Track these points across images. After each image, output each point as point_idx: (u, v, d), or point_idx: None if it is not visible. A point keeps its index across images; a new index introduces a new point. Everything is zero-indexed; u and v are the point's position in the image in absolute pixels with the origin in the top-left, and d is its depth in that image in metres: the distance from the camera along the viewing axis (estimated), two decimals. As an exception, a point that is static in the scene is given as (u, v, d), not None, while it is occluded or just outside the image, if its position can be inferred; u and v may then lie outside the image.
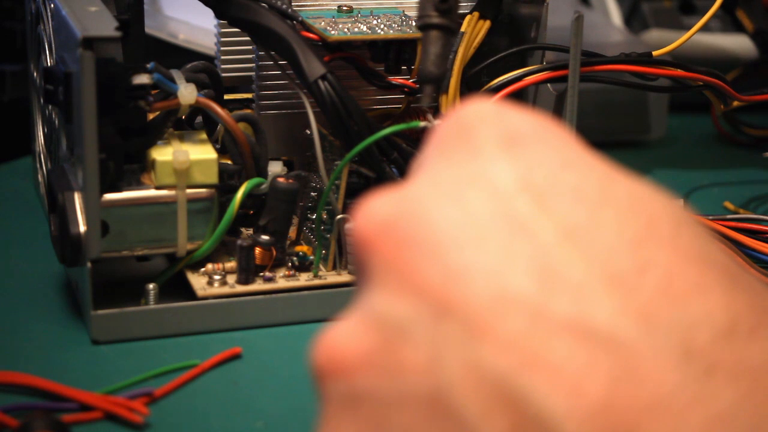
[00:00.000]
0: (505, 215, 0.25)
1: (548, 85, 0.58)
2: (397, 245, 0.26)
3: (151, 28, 0.70)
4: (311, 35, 0.54)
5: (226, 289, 0.52)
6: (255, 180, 0.53)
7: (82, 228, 0.49)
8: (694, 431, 0.22)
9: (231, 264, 0.53)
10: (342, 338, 0.26)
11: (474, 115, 0.28)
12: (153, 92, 0.50)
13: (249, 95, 0.60)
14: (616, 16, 0.84)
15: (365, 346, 0.26)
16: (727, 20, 0.80)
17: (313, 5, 0.58)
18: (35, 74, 0.61)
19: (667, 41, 0.60)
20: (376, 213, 0.27)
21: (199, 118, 0.55)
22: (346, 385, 0.26)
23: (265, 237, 0.53)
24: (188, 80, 0.52)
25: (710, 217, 0.59)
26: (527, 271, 0.24)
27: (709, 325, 0.23)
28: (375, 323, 0.26)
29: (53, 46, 0.54)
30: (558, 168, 0.26)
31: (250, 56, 0.58)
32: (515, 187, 0.26)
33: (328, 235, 0.54)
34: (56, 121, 0.55)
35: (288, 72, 0.54)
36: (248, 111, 0.57)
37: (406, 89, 0.56)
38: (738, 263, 0.25)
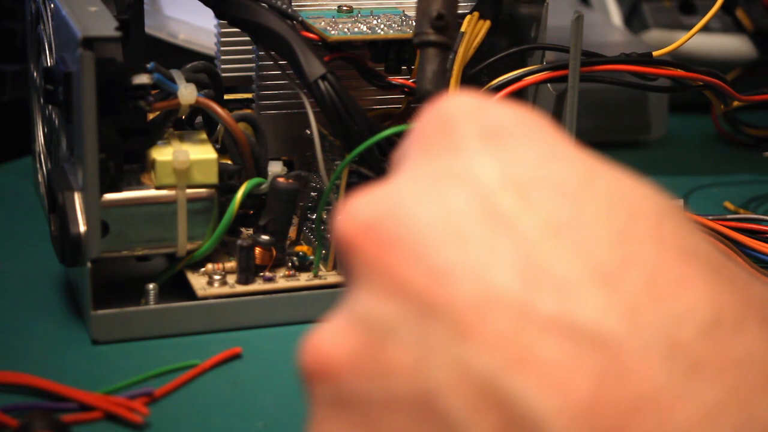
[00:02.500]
0: (488, 212, 0.25)
1: (548, 85, 0.58)
2: (380, 246, 0.26)
3: (151, 28, 0.70)
4: (311, 35, 0.54)
5: (226, 289, 0.52)
6: (255, 180, 0.53)
7: (82, 228, 0.49)
8: (681, 428, 0.22)
9: (231, 264, 0.53)
10: (327, 340, 0.26)
11: (455, 108, 0.28)
12: (153, 92, 0.50)
13: (249, 95, 0.60)
14: (616, 16, 0.84)
15: (351, 348, 0.25)
16: (727, 20, 0.80)
17: (313, 5, 0.58)
18: (35, 74, 0.61)
19: (667, 41, 0.60)
20: (359, 213, 0.26)
21: (199, 118, 0.55)
22: (333, 387, 0.26)
23: (265, 237, 0.53)
24: (188, 80, 0.52)
25: (710, 217, 0.59)
26: (511, 269, 0.24)
27: (694, 319, 0.23)
28: (360, 325, 0.26)
29: (53, 46, 0.54)
30: (541, 162, 0.26)
31: (250, 56, 0.58)
32: (498, 182, 0.25)
33: (328, 235, 0.54)
34: (56, 121, 0.55)
35: (288, 72, 0.54)
36: (248, 111, 0.57)
37: (406, 89, 0.56)
38: (722, 253, 0.25)
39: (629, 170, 0.26)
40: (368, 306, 0.26)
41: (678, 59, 0.59)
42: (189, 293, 0.52)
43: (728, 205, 0.67)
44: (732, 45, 0.81)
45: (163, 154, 0.51)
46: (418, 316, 0.25)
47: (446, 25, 0.48)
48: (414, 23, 0.49)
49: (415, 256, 0.25)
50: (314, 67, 0.51)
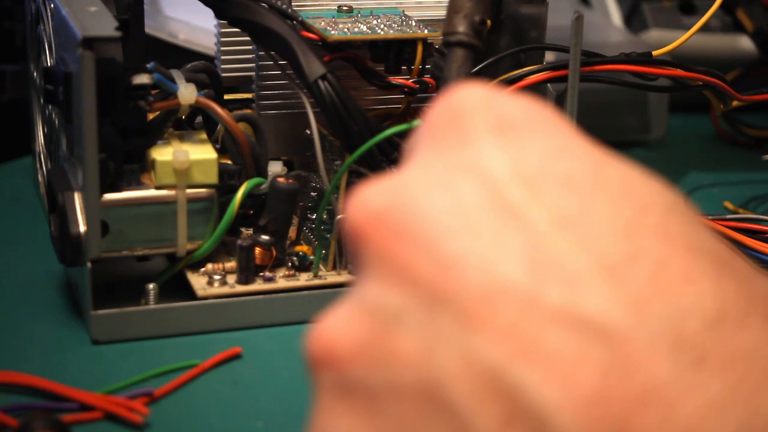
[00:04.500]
0: (498, 203, 0.25)
1: (548, 85, 0.58)
2: (389, 235, 0.26)
3: (151, 28, 0.70)
4: (311, 35, 0.54)
5: (226, 289, 0.52)
6: (255, 180, 0.53)
7: (82, 228, 0.49)
8: (686, 421, 0.22)
9: (231, 264, 0.53)
10: (335, 328, 0.26)
11: (465, 100, 0.28)
12: (153, 92, 0.50)
13: (249, 95, 0.60)
14: (616, 16, 0.84)
15: (358, 336, 0.26)
16: (727, 20, 0.80)
17: (313, 5, 0.58)
18: (35, 74, 0.61)
19: (667, 41, 0.60)
20: (369, 203, 0.26)
21: (199, 118, 0.55)
22: (340, 375, 0.26)
23: (265, 237, 0.53)
24: (188, 80, 0.52)
25: (710, 217, 0.59)
26: (519, 260, 0.24)
27: (699, 313, 0.23)
28: (368, 313, 0.26)
29: (53, 46, 0.54)
30: (550, 154, 0.26)
31: (250, 56, 0.59)
32: (508, 174, 0.26)
33: (328, 235, 0.54)
34: (56, 121, 0.55)
35: (288, 72, 0.54)
36: (248, 111, 0.57)
37: (406, 89, 0.56)
38: (729, 248, 0.25)
39: (637, 165, 0.26)
40: (376, 294, 0.26)
41: (678, 59, 0.59)
42: (189, 293, 0.52)
43: (728, 205, 0.67)
44: (732, 45, 0.81)
45: (163, 154, 0.51)
46: (425, 306, 0.25)
47: (485, 29, 0.48)
48: (446, 22, 0.49)
49: (424, 246, 0.25)
50: (314, 67, 0.51)
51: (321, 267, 0.54)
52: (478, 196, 0.25)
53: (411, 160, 0.28)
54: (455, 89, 0.28)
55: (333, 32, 0.54)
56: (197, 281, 0.52)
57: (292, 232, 0.55)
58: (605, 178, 0.25)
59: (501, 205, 0.25)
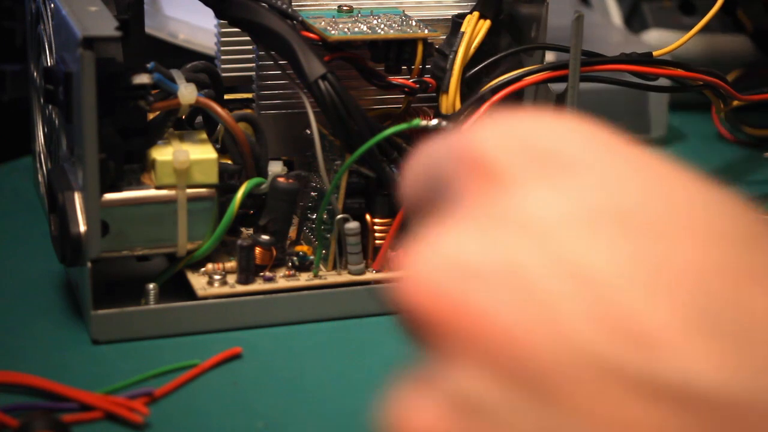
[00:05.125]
0: (557, 258, 0.22)
1: (548, 85, 0.58)
2: (457, 316, 0.22)
3: (151, 28, 0.70)
4: (311, 35, 0.54)
5: (226, 289, 0.52)
6: (255, 180, 0.53)
7: (82, 228, 0.49)
8: None
9: (231, 264, 0.53)
10: (423, 421, 0.23)
11: (490, 143, 0.24)
12: (153, 92, 0.50)
13: (249, 95, 0.60)
14: (616, 16, 0.84)
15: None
16: (727, 20, 0.80)
17: (313, 5, 0.58)
18: (35, 74, 0.61)
19: (667, 41, 0.60)
20: (425, 280, 0.23)
21: (199, 118, 0.55)
22: None
23: (265, 237, 0.53)
24: (188, 80, 0.52)
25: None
26: (593, 323, 0.21)
27: None
28: (457, 407, 0.23)
29: (53, 46, 0.54)
30: (607, 187, 0.23)
31: (250, 56, 0.59)
32: (562, 221, 0.22)
33: (328, 235, 0.54)
34: (56, 121, 0.55)
35: (288, 72, 0.54)
36: (248, 111, 0.57)
37: (406, 89, 0.56)
38: None
39: (708, 179, 0.24)
40: (462, 384, 0.23)
41: (678, 59, 0.59)
42: (189, 293, 0.52)
43: (728, 205, 0.66)
44: (732, 45, 0.81)
45: (163, 154, 0.51)
46: (510, 391, 0.22)
47: None
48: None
49: (494, 324, 0.22)
50: (314, 67, 0.51)
51: (321, 267, 0.54)
52: (535, 254, 0.22)
53: (452, 219, 0.24)
54: (472, 132, 0.24)
55: (333, 32, 0.54)
56: (197, 281, 0.52)
57: (292, 232, 0.55)
58: (682, 210, 0.22)
59: (561, 259, 0.22)
